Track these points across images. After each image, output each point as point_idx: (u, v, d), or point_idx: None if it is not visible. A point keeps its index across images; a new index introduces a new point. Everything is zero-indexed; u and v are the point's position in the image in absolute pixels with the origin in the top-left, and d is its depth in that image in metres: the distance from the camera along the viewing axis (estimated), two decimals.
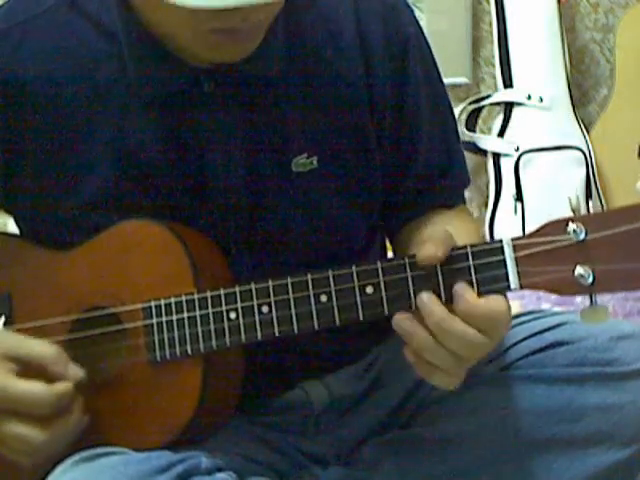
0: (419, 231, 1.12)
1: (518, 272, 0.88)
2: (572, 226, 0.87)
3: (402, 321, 0.90)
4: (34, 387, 0.95)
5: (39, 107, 1.04)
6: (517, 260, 0.88)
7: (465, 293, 0.89)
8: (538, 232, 0.88)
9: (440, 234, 0.93)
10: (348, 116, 1.07)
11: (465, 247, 0.90)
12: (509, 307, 0.90)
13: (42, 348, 0.98)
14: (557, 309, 1.31)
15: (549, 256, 0.87)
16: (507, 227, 2.43)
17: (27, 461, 0.97)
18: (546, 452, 1.06)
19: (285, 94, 1.05)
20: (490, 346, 0.91)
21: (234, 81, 1.02)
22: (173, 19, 0.92)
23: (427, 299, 0.90)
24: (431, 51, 1.14)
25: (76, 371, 0.98)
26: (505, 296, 0.90)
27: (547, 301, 2.02)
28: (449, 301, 0.90)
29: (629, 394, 1.06)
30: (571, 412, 1.06)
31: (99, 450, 0.97)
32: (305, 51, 1.06)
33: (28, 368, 0.96)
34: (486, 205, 2.54)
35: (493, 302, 0.89)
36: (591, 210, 2.41)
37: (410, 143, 1.12)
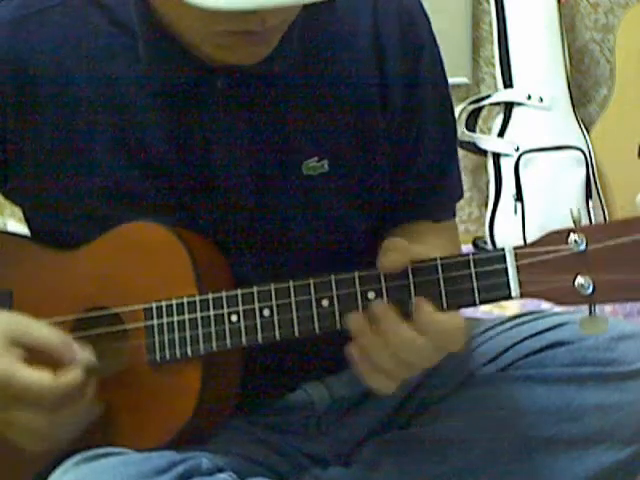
0: (408, 239, 1.11)
1: (519, 280, 0.89)
2: (573, 236, 0.87)
3: (355, 319, 0.91)
4: (41, 377, 0.94)
5: (48, 98, 1.04)
6: (519, 268, 0.89)
7: (424, 305, 0.90)
8: (540, 242, 0.89)
9: (399, 243, 0.94)
10: (360, 118, 1.07)
11: (467, 255, 0.91)
12: (464, 324, 0.91)
13: (48, 335, 0.97)
14: (557, 309, 1.31)
15: (550, 265, 0.88)
16: (507, 227, 2.43)
17: (36, 447, 0.97)
18: (546, 452, 1.07)
19: (296, 95, 1.05)
20: (438, 358, 0.92)
21: (247, 80, 1.02)
22: (188, 17, 0.91)
23: (381, 306, 0.91)
24: (442, 59, 1.14)
25: (85, 356, 0.97)
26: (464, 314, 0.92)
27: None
28: (450, 308, 0.91)
29: (629, 394, 1.06)
30: (571, 412, 1.06)
31: (100, 450, 0.97)
32: (320, 52, 1.06)
33: (36, 352, 0.96)
34: (486, 205, 2.54)
35: (449, 317, 0.90)
36: (591, 210, 2.41)
37: (412, 145, 1.12)
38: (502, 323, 1.17)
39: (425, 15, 1.13)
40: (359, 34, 1.07)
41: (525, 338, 1.13)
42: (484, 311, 2.05)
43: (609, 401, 1.06)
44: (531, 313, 1.17)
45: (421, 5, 1.13)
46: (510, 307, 2.04)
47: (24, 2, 1.05)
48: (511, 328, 1.15)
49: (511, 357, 1.12)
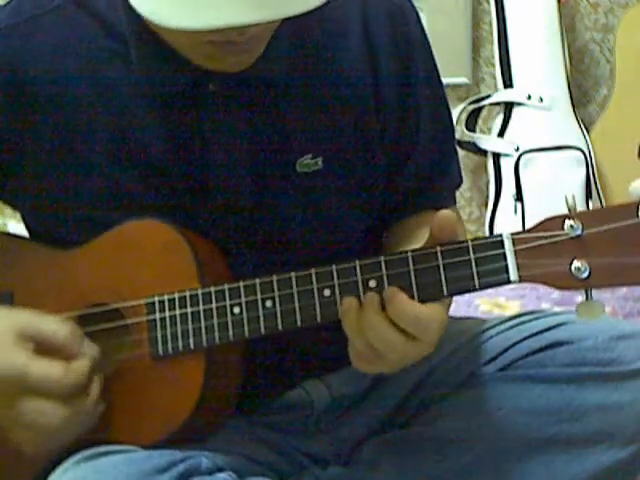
0: (410, 231, 1.12)
1: (517, 265, 0.90)
2: (569, 222, 0.88)
3: (346, 301, 0.92)
4: (52, 367, 0.95)
5: (45, 103, 1.04)
6: (516, 253, 0.90)
7: (397, 295, 0.89)
8: (537, 227, 0.90)
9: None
10: (353, 117, 1.08)
11: (466, 241, 0.91)
12: (442, 313, 0.91)
13: (56, 327, 0.98)
14: (557, 309, 1.31)
15: (547, 250, 0.89)
16: (507, 227, 2.43)
17: (37, 447, 0.97)
18: (546, 452, 1.07)
19: (290, 95, 1.05)
20: (418, 350, 0.91)
21: (239, 81, 1.02)
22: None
23: (369, 295, 0.91)
24: (433, 55, 1.15)
25: (92, 349, 0.98)
26: (447, 304, 0.92)
27: (547, 301, 2.02)
28: (450, 294, 0.91)
29: (629, 394, 1.06)
30: (571, 412, 1.07)
31: (100, 449, 0.97)
32: (311, 52, 1.06)
33: (45, 347, 0.97)
34: (486, 205, 2.54)
35: (424, 308, 0.90)
36: None
37: (408, 143, 1.12)
38: (502, 323, 1.17)
39: (415, 12, 1.13)
40: (349, 34, 1.07)
41: (525, 338, 1.13)
42: (484, 311, 2.06)
43: (609, 401, 1.06)
44: (531, 313, 1.17)
45: (411, 3, 1.13)
46: (510, 307, 2.05)
47: (17, 9, 1.06)
48: (511, 328, 1.15)
49: (511, 357, 1.12)
